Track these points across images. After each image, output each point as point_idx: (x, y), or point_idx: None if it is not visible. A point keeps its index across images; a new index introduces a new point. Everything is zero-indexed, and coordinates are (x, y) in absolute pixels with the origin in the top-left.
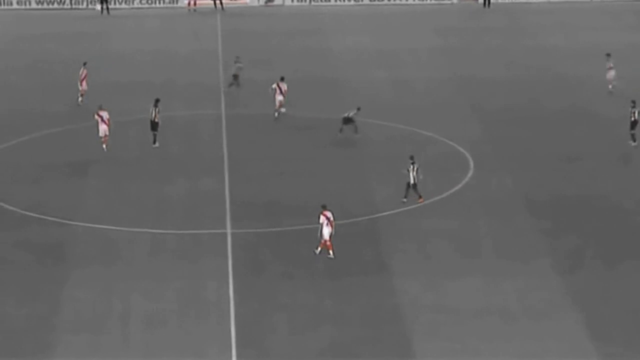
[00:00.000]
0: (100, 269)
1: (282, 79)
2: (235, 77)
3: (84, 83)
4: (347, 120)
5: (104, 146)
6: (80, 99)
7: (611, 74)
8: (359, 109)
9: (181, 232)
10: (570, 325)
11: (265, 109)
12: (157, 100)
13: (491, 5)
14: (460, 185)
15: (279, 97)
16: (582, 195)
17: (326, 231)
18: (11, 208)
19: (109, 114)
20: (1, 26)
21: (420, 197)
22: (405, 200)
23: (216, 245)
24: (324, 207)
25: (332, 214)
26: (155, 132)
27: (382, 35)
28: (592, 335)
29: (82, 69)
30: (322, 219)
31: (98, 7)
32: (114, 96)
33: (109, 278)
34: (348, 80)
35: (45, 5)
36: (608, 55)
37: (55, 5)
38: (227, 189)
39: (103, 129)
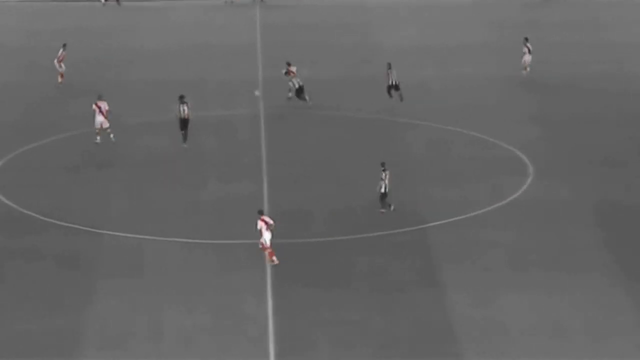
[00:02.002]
0: (128, 281)
1: None
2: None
3: (62, 64)
4: (395, 87)
5: (98, 138)
6: (60, 79)
7: (526, 58)
8: (390, 64)
9: (215, 241)
10: (632, 345)
11: (308, 108)
12: (182, 97)
13: None
14: (517, 193)
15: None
16: None
17: (267, 236)
18: (32, 214)
19: (109, 105)
20: (19, 20)
21: (390, 205)
22: (384, 211)
23: (253, 256)
24: (261, 212)
25: (271, 218)
26: (186, 131)
27: (431, 29)
28: None
29: (61, 50)
30: (260, 224)
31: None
32: (144, 95)
33: (137, 290)
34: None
35: None
36: (526, 39)
37: None
38: (265, 195)
39: (99, 120)
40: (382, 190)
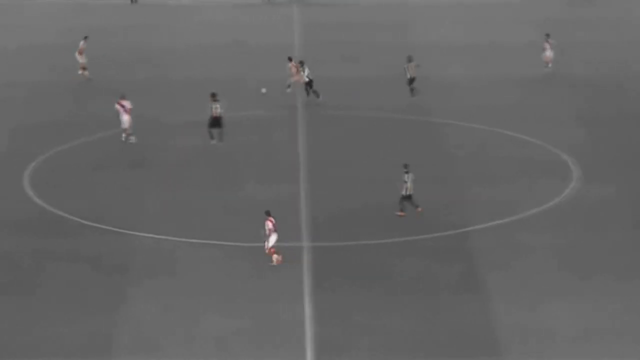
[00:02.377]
0: (162, 283)
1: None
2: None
3: (83, 56)
4: (412, 81)
5: (132, 138)
6: (80, 72)
7: (547, 54)
8: (409, 57)
9: (251, 245)
10: None
11: (347, 107)
12: (214, 95)
13: None
14: (561, 196)
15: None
16: None
17: (273, 239)
18: (66, 215)
19: (132, 103)
20: (54, 18)
21: (417, 207)
22: (403, 214)
23: (291, 260)
24: (268, 213)
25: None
26: (219, 129)
27: (472, 28)
28: None
29: (82, 42)
30: (269, 225)
31: None
32: (180, 94)
33: (170, 293)
34: (435, 78)
35: None
36: (547, 35)
37: None
38: (303, 197)
39: (126, 119)
40: (404, 192)
